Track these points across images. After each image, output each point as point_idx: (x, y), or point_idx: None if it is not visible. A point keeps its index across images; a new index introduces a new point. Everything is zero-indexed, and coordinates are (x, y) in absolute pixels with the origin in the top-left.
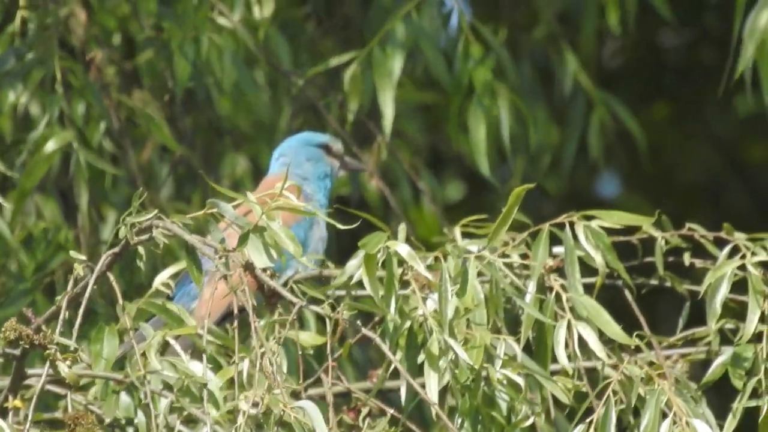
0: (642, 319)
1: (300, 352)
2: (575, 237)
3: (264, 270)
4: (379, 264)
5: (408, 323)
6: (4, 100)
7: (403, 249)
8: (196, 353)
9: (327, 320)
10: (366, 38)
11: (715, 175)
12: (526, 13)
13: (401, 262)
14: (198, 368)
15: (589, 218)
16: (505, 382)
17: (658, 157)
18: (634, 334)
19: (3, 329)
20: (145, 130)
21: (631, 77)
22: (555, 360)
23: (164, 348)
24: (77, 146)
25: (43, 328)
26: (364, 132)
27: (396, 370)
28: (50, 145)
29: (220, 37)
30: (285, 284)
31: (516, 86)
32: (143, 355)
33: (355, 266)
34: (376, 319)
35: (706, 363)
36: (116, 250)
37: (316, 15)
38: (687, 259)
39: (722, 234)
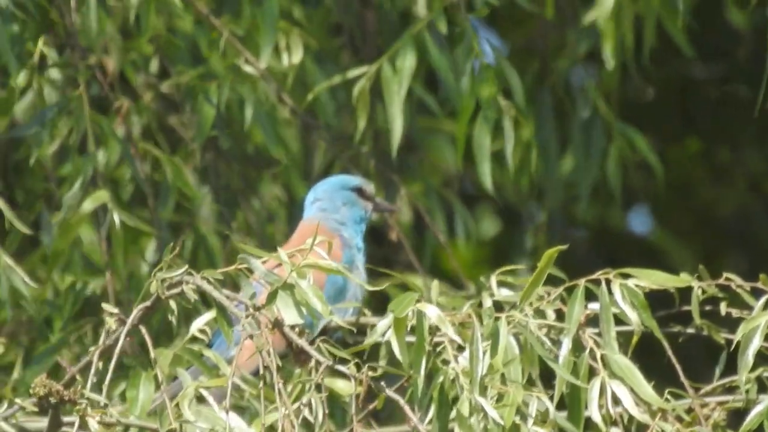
0: (678, 368)
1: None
2: (610, 293)
3: (293, 327)
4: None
5: (440, 379)
6: (36, 152)
7: (432, 312)
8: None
9: (352, 380)
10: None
11: (748, 211)
12: (554, 45)
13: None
14: (232, 418)
15: (625, 276)
16: None
17: (690, 192)
18: (666, 392)
19: (33, 386)
20: (170, 180)
21: (662, 112)
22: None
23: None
24: (111, 206)
25: (78, 378)
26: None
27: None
28: (86, 206)
29: (243, 87)
30: (314, 342)
31: (522, 105)
32: (176, 405)
33: (384, 327)
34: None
35: (744, 411)
36: (148, 304)
37: (351, 45)
38: (723, 308)
39: (759, 284)
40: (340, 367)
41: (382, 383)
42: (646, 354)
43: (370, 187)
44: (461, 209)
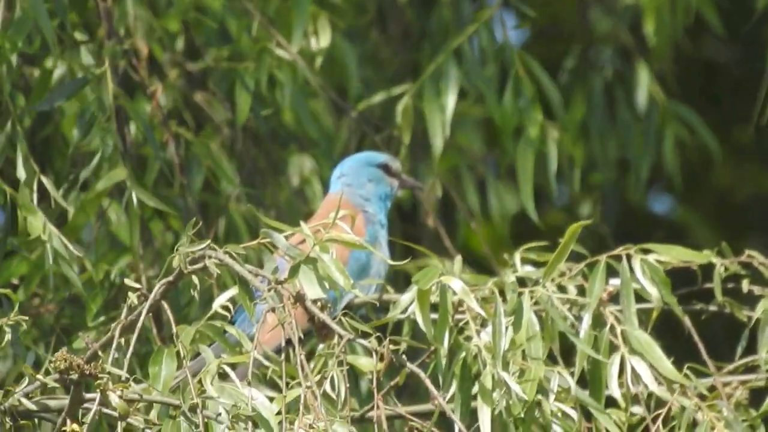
0: (701, 345)
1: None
2: (631, 269)
3: (315, 301)
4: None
5: (462, 354)
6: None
7: (456, 284)
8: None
9: (374, 353)
10: (425, 55)
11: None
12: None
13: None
14: (255, 395)
15: (646, 251)
16: (559, 414)
17: (709, 174)
18: (685, 367)
19: (54, 359)
20: (203, 165)
21: (684, 93)
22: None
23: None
24: (130, 184)
25: (100, 353)
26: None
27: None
28: (103, 183)
29: (279, 71)
30: (336, 317)
31: (565, 124)
32: (199, 381)
33: (408, 300)
34: (432, 348)
35: (766, 390)
36: (170, 278)
37: (380, 22)
38: (746, 285)
39: None
40: (362, 341)
41: (404, 357)
42: (668, 333)
43: (396, 164)
44: (494, 184)
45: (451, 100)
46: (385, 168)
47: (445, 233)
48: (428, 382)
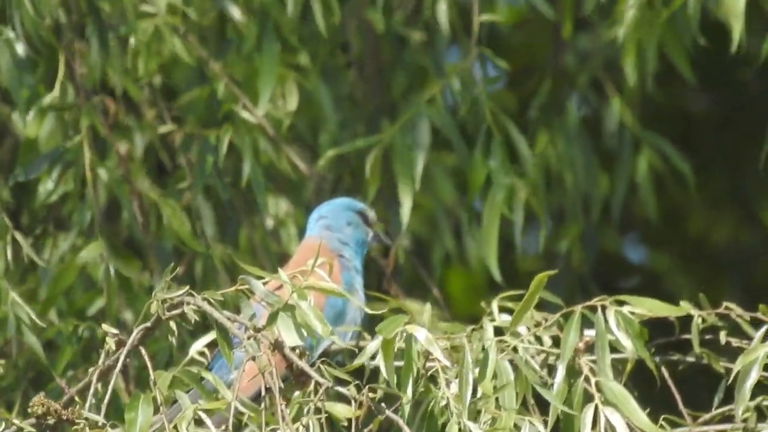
0: (677, 396)
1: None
2: (606, 321)
3: (293, 349)
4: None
5: (430, 404)
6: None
7: (421, 334)
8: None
9: (352, 401)
10: (397, 98)
11: (745, 241)
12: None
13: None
14: None
15: (621, 303)
16: None
17: (684, 220)
18: (661, 418)
19: (31, 403)
20: (166, 225)
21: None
22: None
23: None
24: (107, 256)
25: (77, 399)
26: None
27: None
28: (82, 256)
29: (240, 139)
30: (314, 364)
31: (535, 182)
32: (175, 427)
33: (373, 348)
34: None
35: None
36: (148, 324)
37: (357, 62)
38: (723, 337)
39: (758, 315)
40: (341, 389)
41: (383, 405)
42: (645, 382)
43: (372, 214)
44: (470, 230)
45: (420, 157)
46: (363, 216)
47: (425, 274)
48: (404, 427)
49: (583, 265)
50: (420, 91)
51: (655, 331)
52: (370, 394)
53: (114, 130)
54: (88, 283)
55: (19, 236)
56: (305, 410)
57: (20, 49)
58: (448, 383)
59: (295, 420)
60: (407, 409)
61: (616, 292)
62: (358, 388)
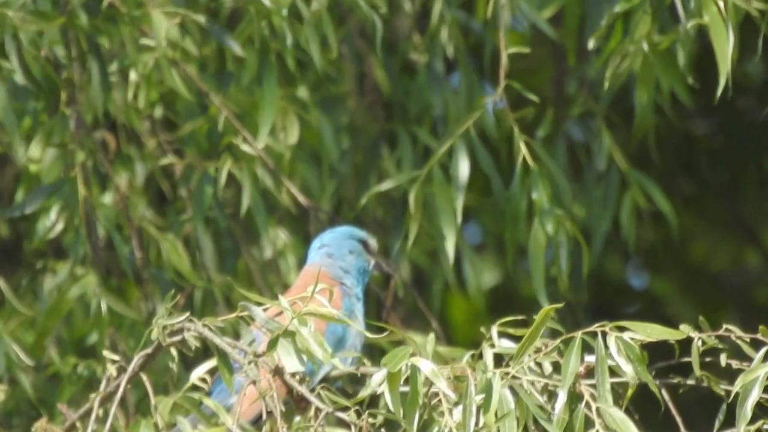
0: (678, 419)
1: None
2: (606, 346)
3: (293, 374)
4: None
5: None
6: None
7: (425, 366)
8: None
9: (352, 427)
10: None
11: (746, 264)
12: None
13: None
14: None
15: (621, 328)
16: None
17: (688, 245)
18: None
19: (33, 429)
20: (166, 260)
21: (662, 165)
22: None
23: None
24: (99, 291)
25: (78, 425)
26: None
27: None
28: (74, 291)
29: (240, 171)
30: (314, 389)
31: (573, 212)
32: None
33: (378, 380)
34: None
35: None
36: (149, 351)
37: (359, 91)
38: (723, 360)
39: (758, 336)
40: (341, 414)
41: (382, 430)
42: (647, 406)
43: (374, 243)
44: (471, 255)
45: (461, 191)
46: (365, 244)
47: (423, 306)
48: None
49: (583, 293)
50: (453, 131)
51: (655, 354)
52: (370, 420)
53: (115, 161)
54: (86, 311)
55: (2, 284)
56: None
57: (18, 79)
58: (450, 412)
59: None
60: None
61: (618, 318)
62: (358, 414)
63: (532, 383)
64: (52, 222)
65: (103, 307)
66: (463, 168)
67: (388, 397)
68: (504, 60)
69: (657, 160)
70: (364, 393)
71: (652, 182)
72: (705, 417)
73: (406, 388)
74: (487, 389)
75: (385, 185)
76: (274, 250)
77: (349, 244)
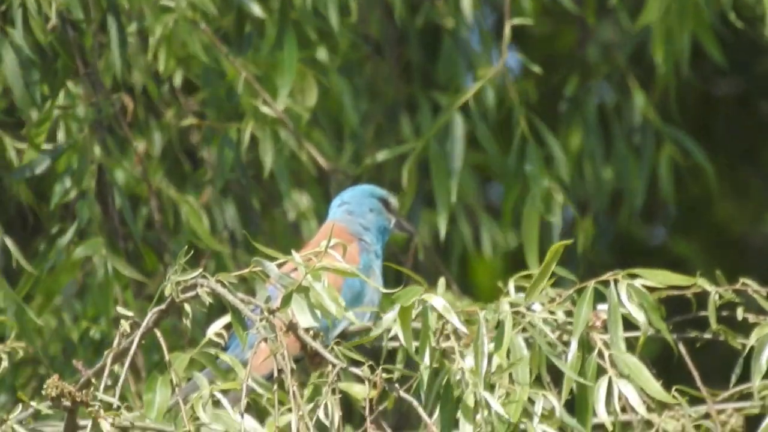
0: (695, 373)
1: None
2: (619, 294)
3: (307, 330)
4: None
5: (445, 376)
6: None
7: (438, 302)
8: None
9: (366, 382)
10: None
11: (766, 228)
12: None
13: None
14: (248, 421)
15: (633, 276)
16: None
17: (709, 208)
18: (673, 389)
19: (45, 385)
20: (185, 223)
21: (682, 127)
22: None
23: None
24: (106, 253)
25: (93, 381)
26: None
27: None
28: (79, 252)
29: (262, 131)
30: (329, 346)
31: (571, 186)
32: (191, 408)
33: (390, 319)
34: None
35: (761, 417)
36: (162, 307)
37: (377, 55)
38: (740, 313)
39: None
40: (354, 370)
41: (396, 385)
42: (663, 363)
43: (394, 202)
44: (488, 222)
45: (457, 162)
46: (385, 203)
47: (444, 269)
48: (421, 410)
49: (597, 248)
50: (447, 86)
51: (671, 309)
52: (384, 375)
53: (133, 128)
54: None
55: (9, 242)
56: (322, 391)
57: (25, 48)
58: (462, 355)
59: (311, 400)
60: (426, 375)
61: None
62: (372, 369)
63: (544, 335)
64: (65, 187)
65: (109, 269)
66: (458, 140)
67: (400, 333)
68: (507, 31)
69: (677, 119)
70: (376, 332)
71: (688, 137)
72: (721, 375)
73: (418, 325)
74: (499, 330)
75: (381, 156)
76: (297, 212)
77: (370, 202)
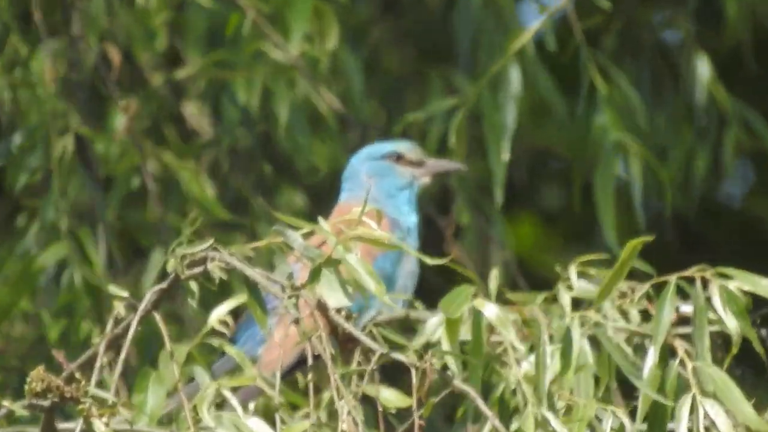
0: None
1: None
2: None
3: (338, 311)
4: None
5: (500, 390)
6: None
7: (490, 310)
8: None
9: (413, 371)
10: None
11: None
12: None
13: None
14: (258, 425)
15: (723, 275)
16: None
17: None
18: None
19: (29, 379)
20: (184, 191)
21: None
22: None
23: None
24: (71, 262)
25: (77, 376)
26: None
27: None
28: (42, 260)
29: (275, 81)
30: (364, 328)
31: (649, 138)
32: (194, 409)
33: (434, 326)
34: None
35: None
36: (164, 285)
37: (382, 21)
38: None
39: None
40: (398, 356)
41: (449, 373)
42: (742, 359)
43: (413, 151)
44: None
45: (511, 117)
46: (395, 157)
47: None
48: (481, 403)
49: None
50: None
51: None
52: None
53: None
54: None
55: None
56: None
57: None
58: (518, 363)
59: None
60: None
61: (713, 244)
62: (419, 356)
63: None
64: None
65: (77, 279)
66: (513, 90)
67: (446, 347)
68: None
69: (754, 73)
70: (418, 341)
71: (757, 116)
72: None
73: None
74: (566, 339)
75: (420, 113)
76: (291, 209)
77: (368, 167)
